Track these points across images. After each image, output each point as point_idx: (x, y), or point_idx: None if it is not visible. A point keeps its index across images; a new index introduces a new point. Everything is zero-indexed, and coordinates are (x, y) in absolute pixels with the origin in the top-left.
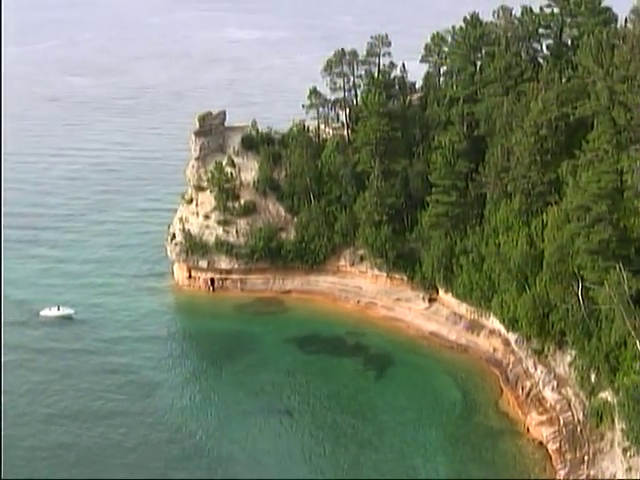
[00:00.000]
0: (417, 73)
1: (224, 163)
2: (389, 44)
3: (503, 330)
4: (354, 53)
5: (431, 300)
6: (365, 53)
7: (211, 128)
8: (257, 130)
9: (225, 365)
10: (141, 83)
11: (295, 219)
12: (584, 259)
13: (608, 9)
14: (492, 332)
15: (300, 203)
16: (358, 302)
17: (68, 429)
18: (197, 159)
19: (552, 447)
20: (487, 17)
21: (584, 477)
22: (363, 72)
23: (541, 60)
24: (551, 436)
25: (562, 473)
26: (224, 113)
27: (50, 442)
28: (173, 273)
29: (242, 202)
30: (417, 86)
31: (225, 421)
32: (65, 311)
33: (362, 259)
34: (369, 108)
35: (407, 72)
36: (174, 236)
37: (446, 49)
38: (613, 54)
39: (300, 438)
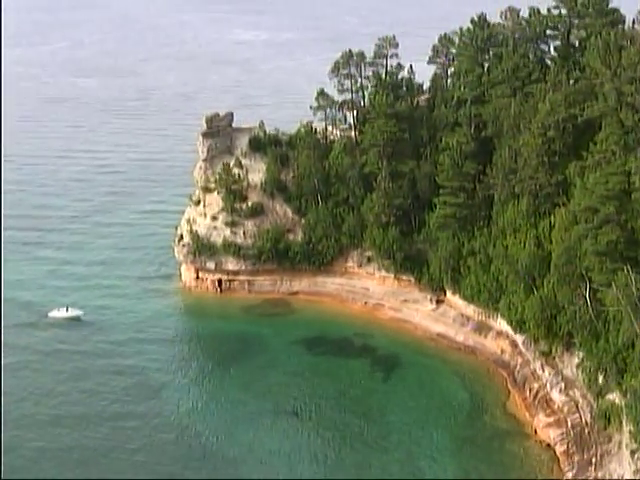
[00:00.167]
0: (424, 74)
1: (232, 164)
2: (396, 45)
3: (511, 332)
4: (361, 54)
5: (438, 301)
6: (372, 54)
7: (218, 129)
8: (265, 131)
9: (232, 366)
10: (148, 84)
11: (302, 220)
12: (592, 261)
13: (615, 10)
14: (500, 334)
15: (307, 204)
16: (365, 303)
17: (75, 431)
18: (205, 160)
19: (559, 449)
20: (495, 18)
21: (591, 479)
22: (370, 73)
23: (549, 61)
24: (558, 438)
25: (569, 475)
26: (231, 114)
27: (57, 444)
28: (180, 274)
29: (250, 203)
30: (424, 87)
31: (232, 422)
32: (73, 312)
33: (369, 260)
34: (377, 109)
35: (414, 73)
36: (182, 237)
37: (454, 50)
38: (621, 55)
39: (307, 439)
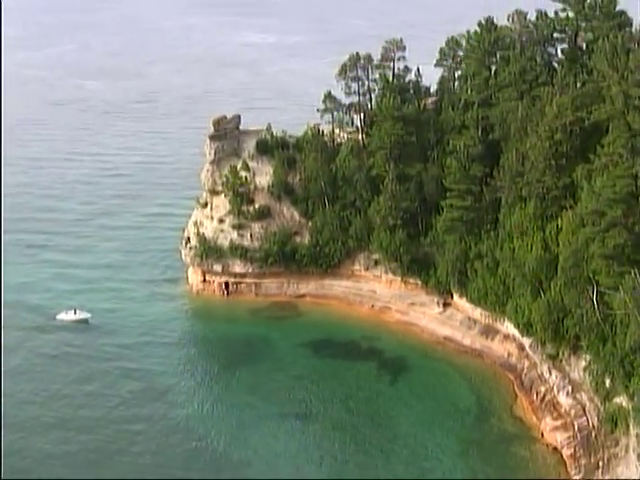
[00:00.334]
0: (432, 77)
1: (239, 167)
2: (404, 48)
3: (518, 335)
4: (369, 57)
5: (445, 305)
6: (380, 57)
7: (226, 132)
8: (272, 134)
9: (239, 369)
10: (155, 87)
11: (309, 223)
12: (599, 264)
13: (623, 13)
14: (506, 337)
15: (314, 207)
16: (372, 306)
17: (80, 434)
18: (212, 163)
19: (566, 452)
20: (502, 21)
21: None
22: (378, 76)
23: (556, 64)
24: (565, 441)
25: (576, 479)
26: (239, 117)
27: (61, 446)
28: (187, 277)
29: (257, 206)
30: (432, 90)
31: (238, 425)
32: (81, 315)
33: (376, 263)
34: (384, 112)
35: (422, 76)
36: (188, 240)
37: (461, 53)
38: (628, 58)
39: (314, 442)
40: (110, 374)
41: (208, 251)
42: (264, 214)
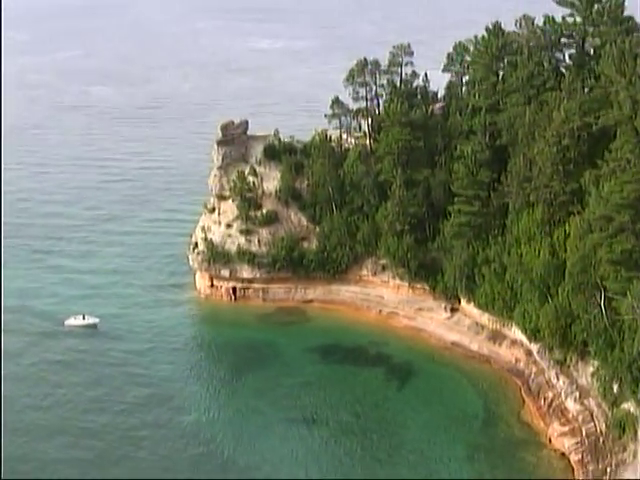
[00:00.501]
0: (439, 82)
1: (246, 172)
2: (411, 53)
3: (525, 340)
4: (376, 63)
5: (453, 310)
6: (387, 62)
7: (233, 137)
8: (279, 139)
9: (246, 374)
10: (162, 92)
11: (317, 228)
12: (607, 269)
13: (630, 18)
14: (514, 342)
15: (322, 212)
16: (380, 312)
17: (87, 440)
18: (219, 168)
19: (574, 458)
20: (509, 26)
21: None
22: (385, 81)
23: (563, 69)
24: (573, 447)
25: None
26: (246, 122)
27: (67, 453)
28: (195, 282)
29: (264, 211)
30: (439, 95)
31: (246, 430)
32: (90, 320)
33: (384, 269)
34: (391, 117)
35: (429, 81)
36: (196, 245)
37: (468, 58)
38: (635, 63)
39: (321, 447)
40: (117, 379)
41: (216, 256)
42: (272, 219)
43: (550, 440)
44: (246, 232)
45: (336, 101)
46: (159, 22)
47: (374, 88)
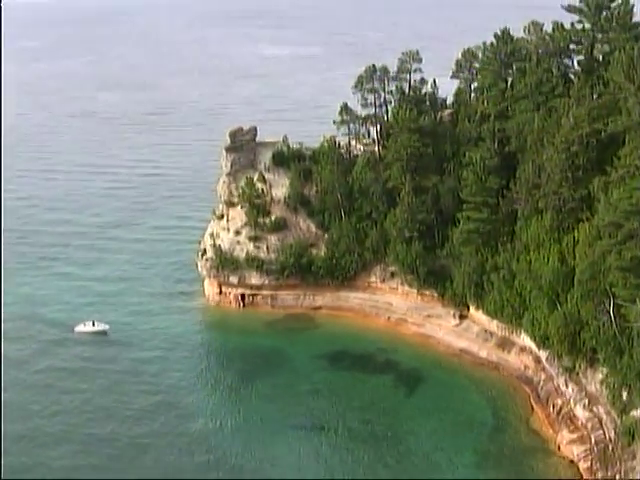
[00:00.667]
0: (448, 89)
1: (255, 179)
2: (420, 60)
3: (534, 347)
4: (385, 69)
5: (462, 317)
6: (396, 69)
7: (242, 144)
8: (288, 146)
9: (255, 381)
10: (171, 99)
11: (326, 235)
12: (616, 276)
13: (639, 24)
14: (523, 349)
15: (331, 219)
16: (388, 318)
17: (93, 448)
18: (228, 175)
19: (583, 466)
20: (518, 33)
21: None
22: (394, 88)
23: (572, 76)
24: (582, 454)
25: None
26: (255, 129)
27: (72, 461)
28: (203, 289)
29: (273, 218)
30: (448, 102)
31: (254, 437)
32: (100, 327)
33: (393, 275)
34: (400, 124)
35: (438, 88)
36: (205, 252)
37: (477, 65)
38: None
39: (330, 454)
40: (126, 386)
41: (224, 263)
42: (280, 226)
43: (559, 447)
44: (255, 239)
45: (345, 107)
46: (168, 29)
47: (383, 95)
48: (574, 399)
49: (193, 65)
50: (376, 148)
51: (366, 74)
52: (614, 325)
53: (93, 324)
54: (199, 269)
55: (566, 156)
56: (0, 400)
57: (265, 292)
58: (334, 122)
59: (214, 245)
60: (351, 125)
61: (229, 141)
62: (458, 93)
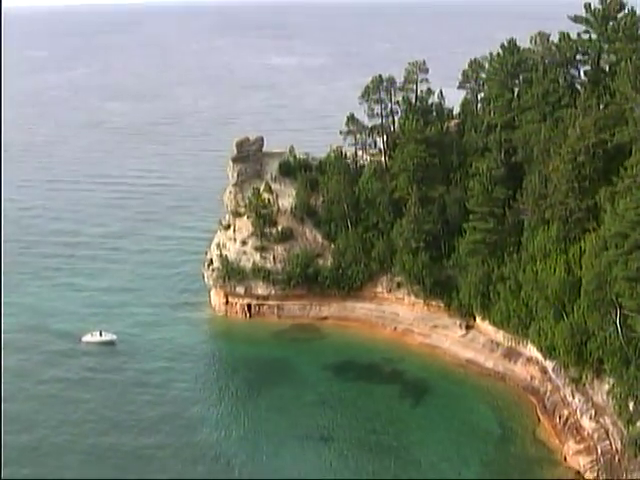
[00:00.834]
0: (454, 99)
1: (261, 189)
2: (426, 70)
3: (540, 358)
4: (392, 79)
5: (468, 327)
6: (402, 79)
7: (249, 154)
8: (294, 156)
9: (261, 392)
10: (179, 109)
11: (332, 245)
12: (622, 286)
13: None
14: (529, 360)
15: (337, 229)
16: (395, 329)
17: (101, 460)
18: (235, 185)
19: (589, 476)
20: (524, 43)
21: None
22: (401, 98)
23: (579, 86)
24: (588, 465)
25: None
26: (262, 139)
27: (82, 473)
28: (210, 299)
29: (279, 228)
30: (454, 112)
31: (260, 448)
32: (107, 337)
33: (399, 286)
34: (406, 134)
35: (444, 98)
36: (211, 262)
37: (484, 75)
38: None
39: (336, 464)
40: (132, 397)
41: (231, 273)
42: (287, 236)
43: (565, 458)
44: (261, 249)
45: (351, 118)
46: (175, 39)
47: (389, 105)
48: (580, 410)
49: (200, 75)
50: (383, 158)
51: (373, 84)
52: (620, 336)
53: (100, 334)
54: (205, 279)
55: (572, 166)
56: (0, 409)
57: (271, 302)
58: (341, 132)
59: (221, 255)
60: (358, 135)
61: (236, 151)
62: (465, 103)
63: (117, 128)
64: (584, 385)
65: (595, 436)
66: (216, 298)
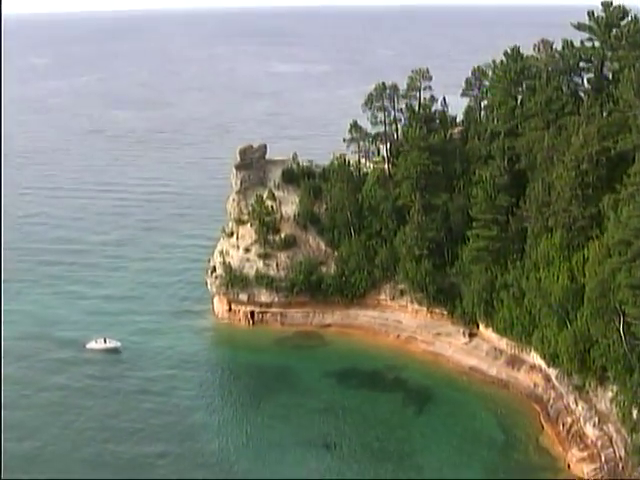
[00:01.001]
0: (458, 107)
1: (265, 196)
2: (430, 78)
3: (544, 365)
4: (395, 87)
5: (471, 335)
6: (406, 87)
7: (252, 161)
8: (298, 163)
9: (264, 399)
10: (182, 116)
11: (335, 253)
12: (626, 294)
13: None
14: (533, 367)
15: (340, 237)
16: (398, 336)
17: (103, 467)
18: (238, 192)
19: None
20: (528, 51)
21: None
22: (404, 106)
23: (582, 94)
24: (592, 473)
25: None
26: (265, 146)
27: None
28: (213, 306)
29: (282, 235)
30: (458, 120)
31: (263, 455)
32: (111, 343)
33: (402, 293)
34: (410, 142)
35: (448, 106)
36: (214, 269)
37: (487, 83)
38: None
39: (340, 471)
40: (135, 404)
41: (234, 280)
42: (290, 243)
43: (569, 466)
44: (264, 256)
45: (354, 125)
46: (178, 47)
47: (392, 112)
48: (584, 417)
49: (203, 82)
50: (386, 166)
51: (376, 92)
52: (624, 343)
53: (105, 341)
54: (208, 287)
55: (576, 174)
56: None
57: (275, 310)
58: (344, 140)
59: (224, 262)
60: (361, 143)
61: (239, 159)
62: (468, 111)
63: (119, 135)
64: (587, 392)
65: (599, 444)
66: (219, 305)
